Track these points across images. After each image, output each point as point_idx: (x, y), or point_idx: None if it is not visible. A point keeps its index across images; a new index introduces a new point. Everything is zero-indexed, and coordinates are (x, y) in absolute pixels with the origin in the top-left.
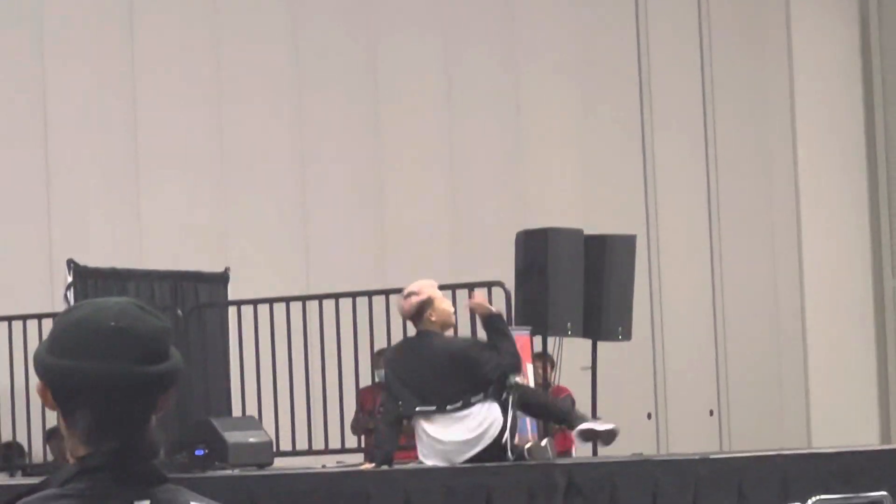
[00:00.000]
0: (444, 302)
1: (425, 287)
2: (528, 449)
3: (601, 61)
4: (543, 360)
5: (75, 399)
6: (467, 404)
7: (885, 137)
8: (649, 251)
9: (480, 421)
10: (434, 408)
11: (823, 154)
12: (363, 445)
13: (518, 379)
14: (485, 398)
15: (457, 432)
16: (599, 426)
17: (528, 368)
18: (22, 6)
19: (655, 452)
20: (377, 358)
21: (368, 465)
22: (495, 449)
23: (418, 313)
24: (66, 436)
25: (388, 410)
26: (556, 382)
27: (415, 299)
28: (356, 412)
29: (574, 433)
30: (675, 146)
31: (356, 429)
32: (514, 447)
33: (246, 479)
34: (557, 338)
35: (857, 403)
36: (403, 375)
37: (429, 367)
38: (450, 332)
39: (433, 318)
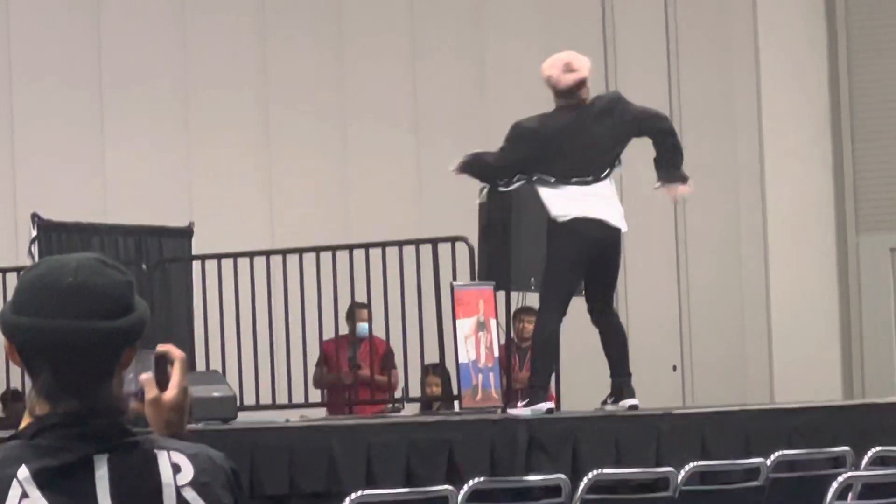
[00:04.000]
0: (567, 71)
1: (585, 66)
2: None
3: (565, 28)
4: (522, 315)
5: (37, 356)
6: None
7: (849, 92)
8: None
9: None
10: None
11: (788, 109)
12: (325, 399)
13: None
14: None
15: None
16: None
17: (493, 324)
18: None
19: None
20: (356, 310)
21: None
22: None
23: (572, 90)
24: (31, 390)
25: None
26: None
27: (575, 76)
28: (318, 366)
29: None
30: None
31: (319, 383)
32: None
33: (209, 434)
34: (521, 293)
35: (819, 359)
36: None
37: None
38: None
39: (584, 97)
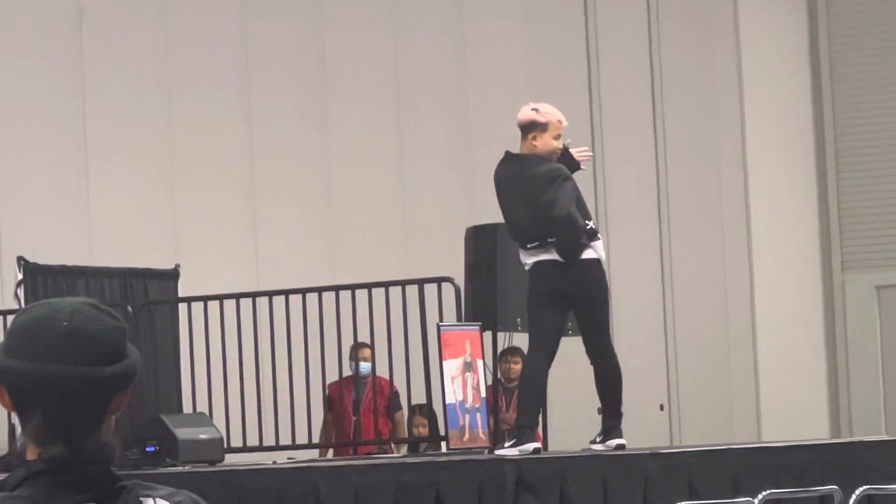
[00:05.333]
0: (556, 139)
1: (551, 113)
2: None
3: (549, 70)
4: (508, 356)
5: (28, 400)
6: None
7: (833, 132)
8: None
9: None
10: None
11: (772, 149)
12: (318, 441)
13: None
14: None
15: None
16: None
17: (479, 364)
18: None
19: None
20: (358, 349)
21: None
22: None
23: (525, 128)
24: (22, 434)
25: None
26: None
27: (532, 114)
28: (326, 413)
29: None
30: (623, 150)
31: (324, 430)
32: None
33: (197, 476)
34: (508, 333)
35: (806, 398)
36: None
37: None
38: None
39: (535, 143)
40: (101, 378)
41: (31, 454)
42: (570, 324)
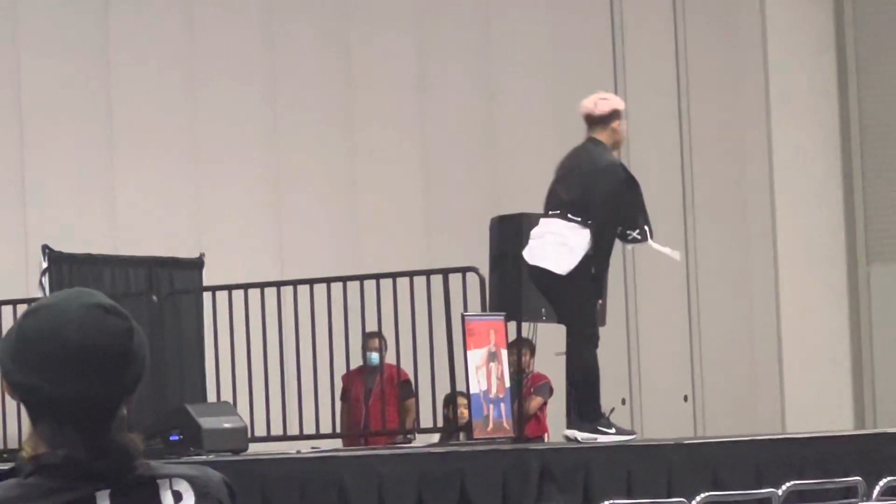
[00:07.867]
0: (624, 125)
1: (616, 100)
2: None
3: (574, 61)
4: (519, 346)
5: (39, 409)
6: (563, 217)
7: (859, 123)
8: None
9: (560, 237)
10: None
11: (798, 142)
12: (339, 430)
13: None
14: (582, 223)
15: (541, 237)
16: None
17: (504, 354)
18: None
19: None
20: (368, 340)
21: None
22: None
23: (603, 118)
24: (31, 431)
25: None
26: (533, 369)
27: (607, 105)
28: (343, 401)
29: (577, 433)
30: (649, 142)
31: (342, 418)
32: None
33: (220, 465)
34: (532, 324)
35: (831, 389)
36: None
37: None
38: (615, 154)
39: (616, 127)
40: (114, 390)
41: (42, 449)
42: (543, 309)
